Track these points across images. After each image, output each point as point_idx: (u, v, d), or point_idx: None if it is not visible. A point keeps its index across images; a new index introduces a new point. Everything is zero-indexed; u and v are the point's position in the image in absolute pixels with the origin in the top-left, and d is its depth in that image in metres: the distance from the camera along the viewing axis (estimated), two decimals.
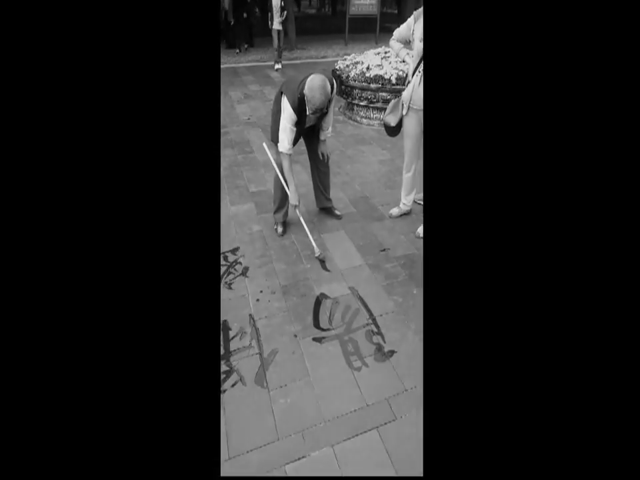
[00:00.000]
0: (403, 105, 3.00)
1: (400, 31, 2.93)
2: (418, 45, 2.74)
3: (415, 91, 2.85)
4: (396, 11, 21.51)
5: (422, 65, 2.75)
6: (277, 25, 9.21)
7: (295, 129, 2.73)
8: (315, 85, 2.51)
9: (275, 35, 9.28)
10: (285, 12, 9.25)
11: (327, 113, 2.83)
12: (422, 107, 2.83)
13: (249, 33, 11.95)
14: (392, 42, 3.04)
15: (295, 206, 2.92)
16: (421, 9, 2.79)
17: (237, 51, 11.19)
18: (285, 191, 3.01)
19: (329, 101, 2.71)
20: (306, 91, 2.55)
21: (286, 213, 3.16)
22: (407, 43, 2.94)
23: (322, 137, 3.03)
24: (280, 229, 3.13)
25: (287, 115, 2.66)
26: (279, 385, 1.94)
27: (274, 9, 9.09)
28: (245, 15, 11.07)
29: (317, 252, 2.88)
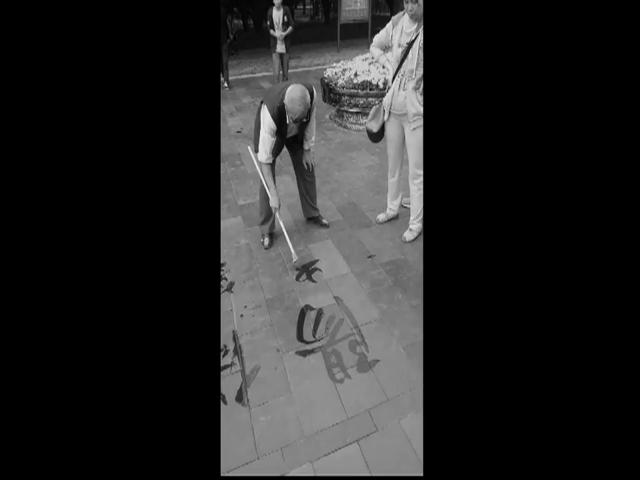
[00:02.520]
0: (384, 110, 2.99)
1: (379, 37, 2.92)
2: (396, 51, 2.73)
3: (395, 96, 2.83)
4: (389, 14, 21.51)
5: (401, 69, 2.74)
6: (279, 46, 7.28)
7: (274, 138, 2.74)
8: (294, 95, 2.53)
9: (276, 59, 7.47)
10: (290, 27, 7.25)
11: (308, 121, 2.84)
12: (403, 112, 2.82)
13: (233, 46, 10.31)
14: (372, 48, 3.03)
15: (275, 209, 2.94)
16: (399, 14, 2.77)
17: (224, 84, 8.28)
18: None
19: (310, 110, 2.73)
20: (286, 101, 2.57)
21: (272, 225, 3.16)
22: (387, 49, 2.93)
23: (306, 147, 3.04)
24: (266, 241, 3.12)
25: (266, 124, 2.68)
26: (260, 402, 1.93)
27: (275, 25, 7.16)
28: (229, 39, 8.50)
29: (295, 258, 2.87)
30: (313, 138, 3.02)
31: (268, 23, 7.25)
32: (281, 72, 7.64)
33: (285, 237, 2.94)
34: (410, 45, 2.62)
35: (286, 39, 7.33)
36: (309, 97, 2.61)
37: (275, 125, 2.67)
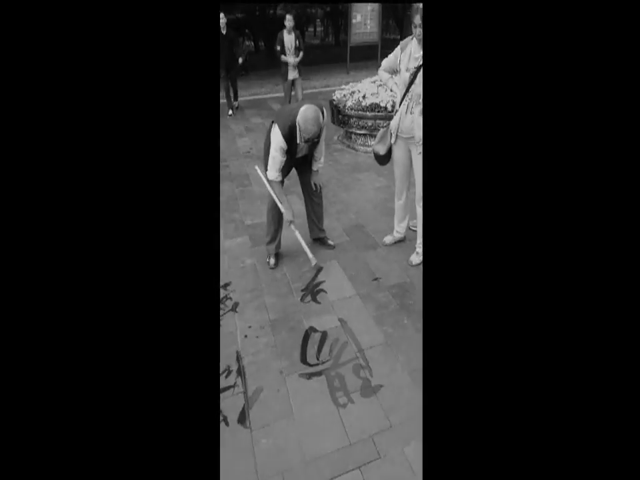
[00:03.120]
0: (391, 133, 3.01)
1: (388, 61, 2.96)
2: (404, 75, 2.77)
3: (402, 119, 2.86)
4: (398, 37, 21.76)
5: (409, 93, 2.77)
6: (292, 72, 6.75)
7: (284, 158, 2.77)
8: (308, 115, 2.58)
9: (287, 87, 6.96)
10: (302, 52, 6.76)
11: (318, 141, 2.87)
12: (410, 135, 2.84)
13: (244, 67, 9.51)
14: (380, 72, 3.07)
15: (291, 222, 2.95)
16: (407, 39, 2.81)
17: (229, 112, 7.73)
18: (279, 223, 3.06)
19: (320, 130, 2.76)
20: (299, 120, 2.61)
21: (278, 245, 3.17)
22: (395, 73, 2.96)
23: (314, 168, 3.07)
24: (272, 261, 3.13)
25: (276, 143, 2.71)
26: (262, 424, 1.91)
27: (287, 50, 6.61)
28: (240, 59, 7.51)
29: (313, 262, 2.96)
30: (322, 159, 3.04)
31: (279, 47, 6.67)
32: (293, 94, 7.07)
33: (296, 260, 2.96)
34: (418, 69, 2.65)
35: (298, 64, 6.82)
36: (321, 117, 2.66)
37: (285, 144, 2.70)
